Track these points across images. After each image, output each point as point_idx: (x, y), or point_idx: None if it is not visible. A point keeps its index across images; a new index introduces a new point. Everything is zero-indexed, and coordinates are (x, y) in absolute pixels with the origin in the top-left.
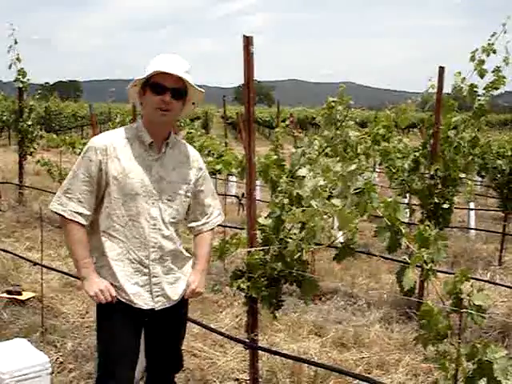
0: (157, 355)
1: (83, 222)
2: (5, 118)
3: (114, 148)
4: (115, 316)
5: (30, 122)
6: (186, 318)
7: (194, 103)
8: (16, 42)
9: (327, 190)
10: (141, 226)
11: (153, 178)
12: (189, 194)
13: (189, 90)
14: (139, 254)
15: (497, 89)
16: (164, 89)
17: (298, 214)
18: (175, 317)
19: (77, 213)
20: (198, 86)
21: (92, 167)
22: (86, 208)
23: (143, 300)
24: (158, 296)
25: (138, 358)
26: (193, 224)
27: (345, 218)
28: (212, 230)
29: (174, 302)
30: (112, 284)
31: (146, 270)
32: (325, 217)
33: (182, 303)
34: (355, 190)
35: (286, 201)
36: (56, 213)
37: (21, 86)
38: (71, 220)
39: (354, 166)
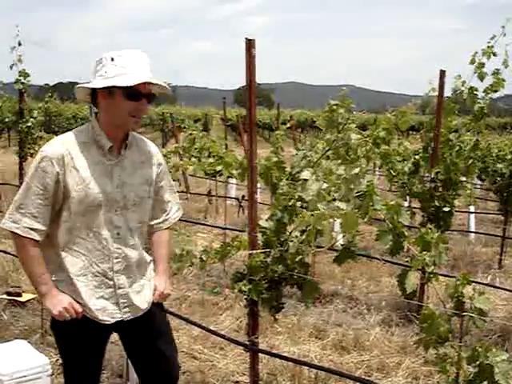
0: (147, 368)
1: (38, 238)
2: (8, 119)
3: (72, 157)
4: (78, 333)
5: (29, 124)
6: (167, 321)
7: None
8: (20, 44)
9: (330, 193)
10: (103, 238)
11: (114, 185)
12: (151, 195)
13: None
14: (102, 267)
15: (496, 91)
16: (140, 96)
17: (308, 217)
18: (153, 323)
19: (31, 229)
20: (198, 87)
21: (47, 179)
22: (41, 223)
23: (109, 314)
24: (125, 307)
25: (101, 372)
26: (152, 222)
27: (349, 221)
28: (169, 228)
29: (143, 310)
30: (75, 300)
31: (111, 282)
32: (330, 220)
33: (156, 307)
34: (357, 192)
35: (294, 203)
36: (9, 231)
37: (21, 87)
38: (25, 237)
39: (357, 170)
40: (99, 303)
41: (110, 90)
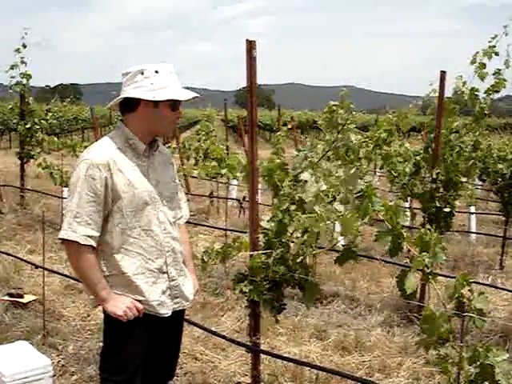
0: (155, 362)
1: (94, 244)
2: (15, 121)
3: (115, 161)
4: (137, 330)
5: (29, 126)
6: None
7: None
8: (25, 46)
9: (329, 194)
10: (155, 234)
11: (152, 184)
12: (177, 191)
13: None
14: (158, 262)
15: (497, 92)
16: (179, 105)
17: (303, 220)
18: (181, 320)
19: (88, 236)
20: (198, 89)
21: (97, 185)
22: (95, 229)
23: (167, 307)
24: (176, 297)
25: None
26: None
27: (348, 223)
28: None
29: (190, 303)
30: (135, 299)
31: (165, 276)
32: (328, 222)
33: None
34: (357, 193)
35: (292, 207)
36: (68, 240)
37: (23, 89)
38: (84, 245)
39: (353, 170)
40: (159, 298)
41: (156, 101)
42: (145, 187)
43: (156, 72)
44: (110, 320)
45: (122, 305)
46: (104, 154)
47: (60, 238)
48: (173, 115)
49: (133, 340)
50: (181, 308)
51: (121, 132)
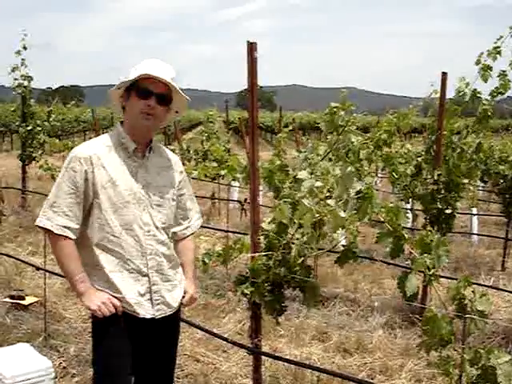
0: (150, 370)
1: (72, 236)
2: (16, 123)
3: (98, 157)
4: (116, 329)
5: (30, 128)
6: (179, 327)
7: (177, 111)
8: (25, 48)
9: (324, 192)
10: (135, 234)
11: (140, 184)
12: (174, 198)
13: (174, 97)
14: (137, 263)
15: (502, 94)
16: (149, 93)
17: (289, 211)
18: (171, 326)
19: (65, 227)
20: (200, 90)
21: (77, 178)
22: (74, 221)
23: (145, 309)
24: (158, 304)
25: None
26: (175, 229)
27: (337, 219)
28: (193, 234)
29: (174, 309)
30: (112, 295)
31: (146, 279)
32: (316, 215)
33: (177, 312)
34: (356, 194)
35: (295, 203)
36: (43, 228)
37: (24, 91)
38: (60, 235)
39: (349, 169)
40: (136, 297)
41: (129, 92)
42: (128, 186)
43: (135, 66)
44: (92, 321)
45: (97, 300)
46: (89, 149)
47: (36, 225)
48: (140, 104)
49: (112, 340)
50: (163, 315)
51: (116, 131)
